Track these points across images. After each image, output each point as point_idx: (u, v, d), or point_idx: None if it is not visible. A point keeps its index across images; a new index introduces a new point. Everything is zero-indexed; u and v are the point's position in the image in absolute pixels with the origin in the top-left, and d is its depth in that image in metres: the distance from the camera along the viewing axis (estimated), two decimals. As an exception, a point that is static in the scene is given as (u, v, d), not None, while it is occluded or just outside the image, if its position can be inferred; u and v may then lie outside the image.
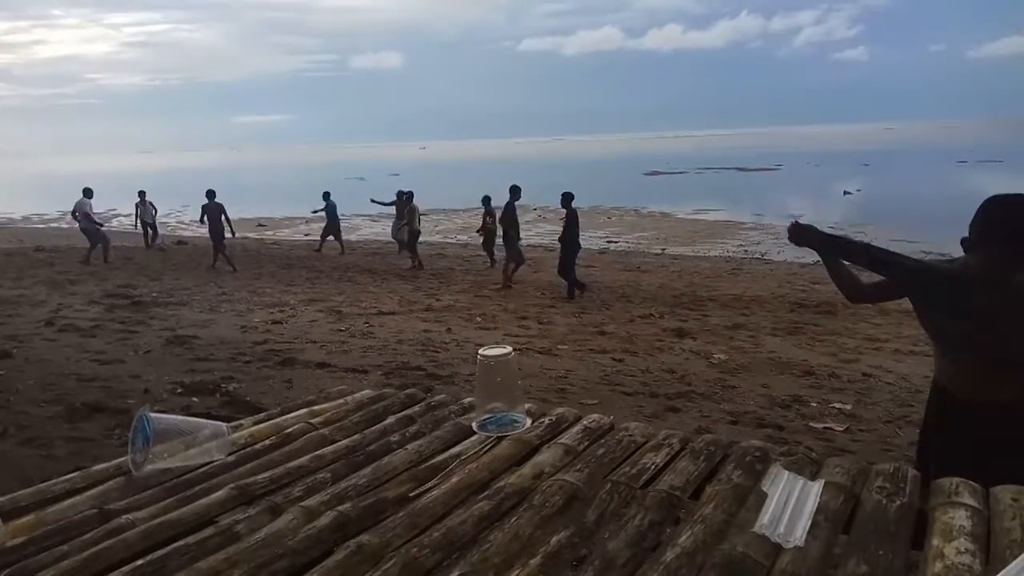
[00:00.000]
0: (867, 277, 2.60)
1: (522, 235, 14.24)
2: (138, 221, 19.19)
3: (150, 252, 17.98)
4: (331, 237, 18.09)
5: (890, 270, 2.45)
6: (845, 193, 34.37)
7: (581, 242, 12.22)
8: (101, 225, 16.90)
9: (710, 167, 61.26)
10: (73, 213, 16.64)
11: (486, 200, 15.80)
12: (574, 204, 11.75)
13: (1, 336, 7.66)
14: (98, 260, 15.57)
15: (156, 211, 19.62)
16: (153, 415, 1.50)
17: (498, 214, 13.44)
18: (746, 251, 19.18)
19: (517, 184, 12.64)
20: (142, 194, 18.93)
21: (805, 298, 11.39)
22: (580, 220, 12.16)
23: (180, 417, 1.62)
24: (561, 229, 12.01)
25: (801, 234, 2.52)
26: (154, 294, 10.99)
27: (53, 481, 1.50)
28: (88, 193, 16.72)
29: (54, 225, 30.35)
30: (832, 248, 2.52)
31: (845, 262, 2.57)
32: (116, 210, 36.04)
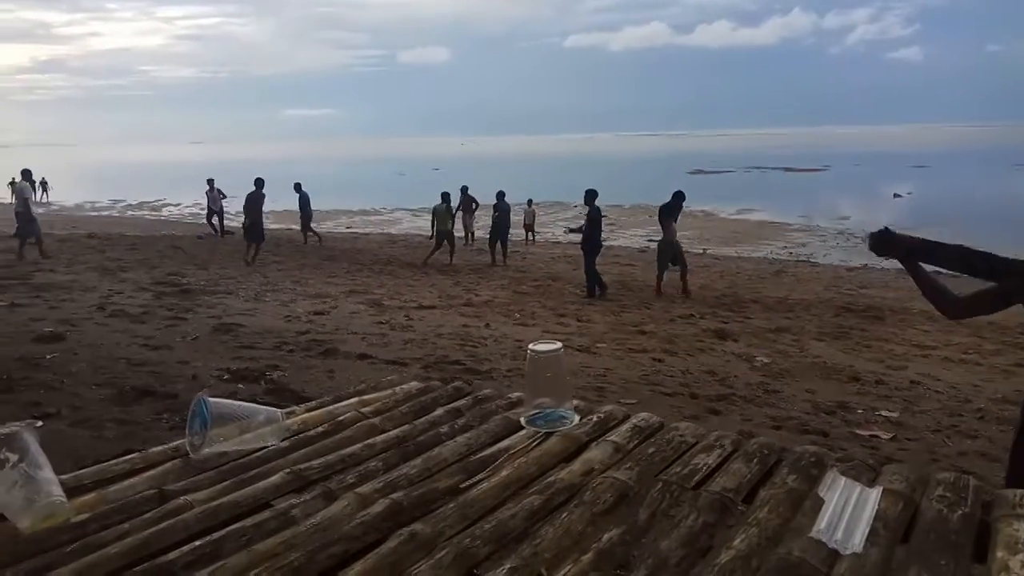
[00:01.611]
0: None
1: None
2: (208, 208, 19.67)
3: (209, 240, 18.33)
4: (310, 228, 18.47)
5: (995, 274, 2.13)
6: (895, 196, 33.64)
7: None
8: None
9: (756, 166, 60.47)
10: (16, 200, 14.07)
11: (499, 195, 15.77)
12: (597, 202, 11.61)
13: (55, 319, 7.88)
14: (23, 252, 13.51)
15: (224, 196, 19.98)
16: (211, 399, 1.54)
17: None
18: (791, 253, 18.90)
19: (682, 190, 11.85)
20: (211, 182, 19.29)
21: (852, 302, 11.17)
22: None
23: (236, 402, 1.65)
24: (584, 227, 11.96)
25: (884, 243, 2.21)
26: (201, 282, 11.23)
27: (114, 461, 1.54)
28: (27, 175, 14.12)
29: (105, 213, 31.25)
30: (921, 255, 2.19)
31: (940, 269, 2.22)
32: (165, 199, 37.00)
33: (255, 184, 14.68)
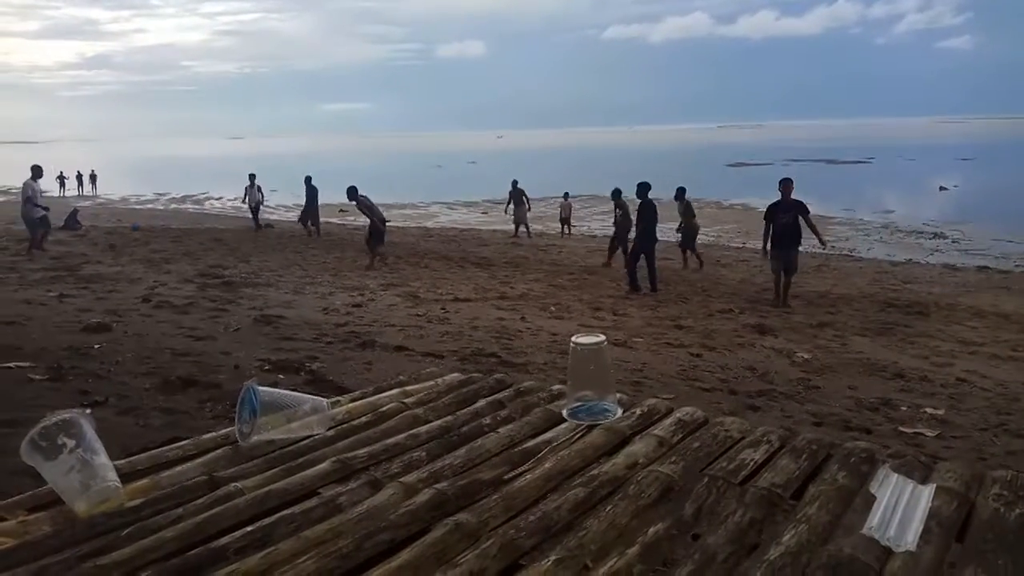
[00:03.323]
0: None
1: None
2: (248, 202, 19.56)
3: (256, 233, 18.45)
4: (309, 222, 18.08)
5: None
6: (941, 189, 32.83)
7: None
8: (47, 209, 13.70)
9: (798, 159, 59.41)
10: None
11: (617, 193, 14.83)
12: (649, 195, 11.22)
13: (102, 310, 8.06)
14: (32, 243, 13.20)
15: (262, 197, 19.91)
16: (260, 388, 1.56)
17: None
18: (833, 247, 18.54)
19: (788, 177, 10.30)
20: (252, 177, 19.35)
21: (896, 297, 10.93)
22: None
23: (284, 391, 1.67)
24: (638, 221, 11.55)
25: None
26: (243, 275, 11.40)
27: (166, 447, 1.58)
28: (36, 172, 13.35)
29: (149, 206, 31.93)
30: None
31: None
32: (208, 193, 37.71)
33: (350, 193, 13.69)
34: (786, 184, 9.99)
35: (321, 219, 18.57)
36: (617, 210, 14.34)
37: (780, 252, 9.93)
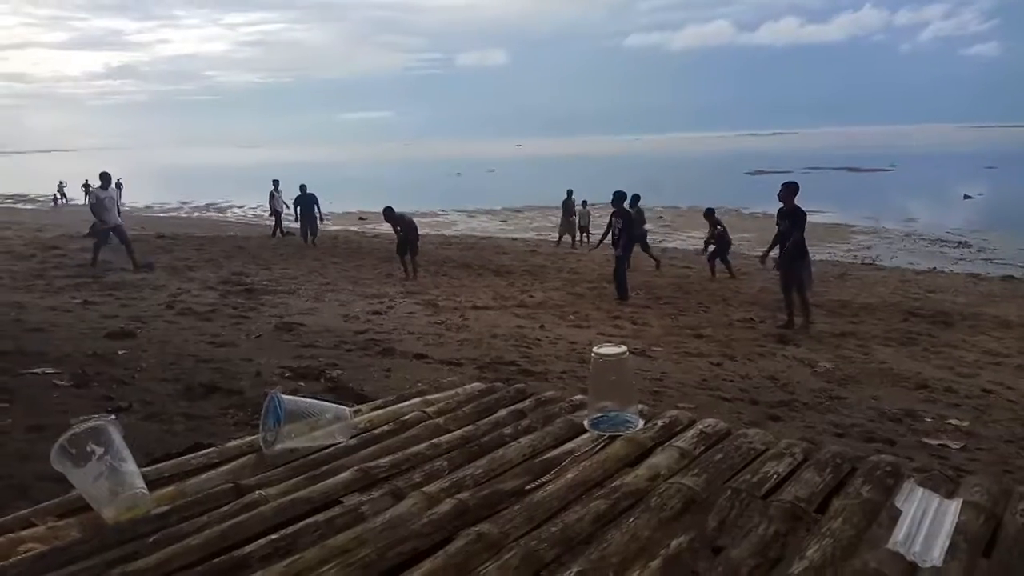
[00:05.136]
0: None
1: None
2: (274, 206, 19.58)
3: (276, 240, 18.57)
4: (309, 231, 18.13)
5: None
6: (965, 197, 32.44)
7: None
8: (106, 223, 12.56)
9: (819, 167, 59.00)
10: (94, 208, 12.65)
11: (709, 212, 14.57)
12: (626, 204, 11.21)
13: (126, 317, 8.16)
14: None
15: (288, 207, 19.96)
16: (284, 396, 1.58)
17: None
18: (855, 256, 18.37)
19: (795, 181, 9.10)
20: (276, 183, 19.35)
21: (920, 307, 10.80)
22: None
23: (307, 399, 1.69)
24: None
25: None
26: (264, 282, 11.50)
27: (191, 455, 1.60)
28: (103, 180, 12.57)
29: (173, 214, 32.32)
30: None
31: None
32: (230, 201, 38.14)
33: (387, 214, 13.93)
34: (785, 189, 8.82)
35: (340, 226, 18.64)
36: (717, 227, 14.25)
37: (781, 264, 9.05)
